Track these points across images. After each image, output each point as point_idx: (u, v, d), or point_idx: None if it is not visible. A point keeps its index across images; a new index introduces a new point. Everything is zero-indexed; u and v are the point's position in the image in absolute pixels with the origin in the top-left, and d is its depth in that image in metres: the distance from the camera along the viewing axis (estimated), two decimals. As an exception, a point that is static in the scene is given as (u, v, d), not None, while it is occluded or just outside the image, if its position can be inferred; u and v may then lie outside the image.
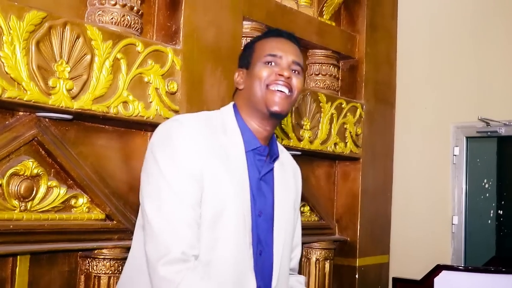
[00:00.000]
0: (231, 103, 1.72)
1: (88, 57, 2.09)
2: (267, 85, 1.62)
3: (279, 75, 1.62)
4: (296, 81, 1.66)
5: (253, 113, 1.64)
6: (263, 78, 1.62)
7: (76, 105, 2.05)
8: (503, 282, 2.82)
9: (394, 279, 3.09)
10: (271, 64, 1.64)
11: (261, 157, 1.63)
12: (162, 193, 1.45)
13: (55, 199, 2.11)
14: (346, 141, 3.38)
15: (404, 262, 3.71)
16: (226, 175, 1.51)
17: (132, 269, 1.56)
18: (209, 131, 1.56)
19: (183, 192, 1.45)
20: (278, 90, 1.61)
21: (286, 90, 1.63)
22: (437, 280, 2.79)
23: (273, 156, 1.67)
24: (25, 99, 1.90)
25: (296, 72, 1.68)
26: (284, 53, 1.65)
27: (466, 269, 2.92)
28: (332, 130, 3.28)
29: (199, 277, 1.42)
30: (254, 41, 1.75)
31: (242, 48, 1.78)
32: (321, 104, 3.21)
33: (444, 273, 2.81)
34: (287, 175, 1.73)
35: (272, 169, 1.66)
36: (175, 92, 2.40)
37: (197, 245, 1.45)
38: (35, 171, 2.04)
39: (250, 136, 1.61)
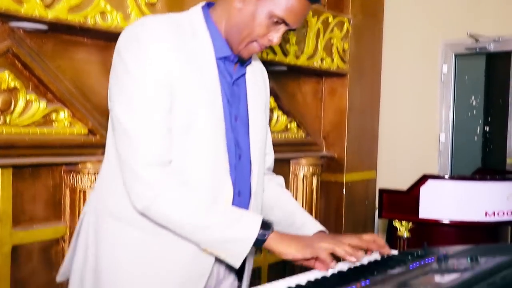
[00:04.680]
0: (200, 4, 1.57)
1: (61, -38, 1.99)
2: (253, 40, 1.48)
3: (270, 40, 1.49)
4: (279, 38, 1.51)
5: (226, 32, 1.52)
6: (256, 34, 1.47)
7: (50, 15, 1.97)
8: (487, 189, 2.85)
9: (380, 190, 3.11)
10: (275, 24, 1.47)
11: (232, 63, 1.55)
12: (134, 98, 1.41)
13: (35, 113, 2.06)
14: (333, 56, 3.32)
15: (391, 178, 3.75)
16: (196, 81, 1.46)
17: (108, 171, 1.55)
18: (178, 34, 1.46)
19: (155, 97, 1.40)
20: (257, 49, 1.50)
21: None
22: (423, 189, 2.81)
23: (245, 62, 1.59)
24: (-5, 7, 1.82)
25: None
26: (293, 23, 1.47)
27: (452, 178, 2.95)
28: (318, 45, 3.22)
29: (178, 194, 1.41)
30: None
31: None
32: (306, 18, 3.12)
33: (430, 182, 2.82)
34: (257, 77, 1.67)
35: (244, 74, 1.60)
36: (155, 3, 2.31)
37: (170, 150, 1.44)
38: (12, 84, 1.98)
39: (221, 42, 1.52)
